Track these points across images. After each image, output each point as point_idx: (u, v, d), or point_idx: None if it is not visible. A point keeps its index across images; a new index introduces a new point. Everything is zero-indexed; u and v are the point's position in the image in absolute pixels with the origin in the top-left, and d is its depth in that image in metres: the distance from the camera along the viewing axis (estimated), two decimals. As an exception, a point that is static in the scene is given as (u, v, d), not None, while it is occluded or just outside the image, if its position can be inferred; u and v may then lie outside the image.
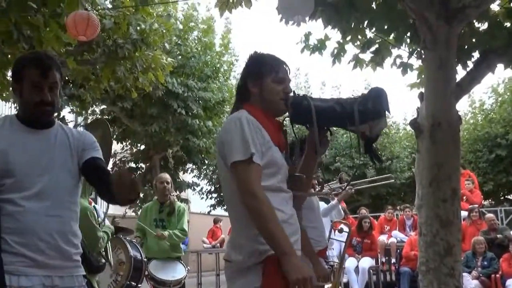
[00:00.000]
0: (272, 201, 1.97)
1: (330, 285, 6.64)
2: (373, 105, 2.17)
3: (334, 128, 2.51)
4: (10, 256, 1.96)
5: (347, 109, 2.18)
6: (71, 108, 13.16)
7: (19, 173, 2.04)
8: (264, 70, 2.17)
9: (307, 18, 4.50)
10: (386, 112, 2.21)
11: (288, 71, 2.24)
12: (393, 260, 9.09)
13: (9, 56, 6.89)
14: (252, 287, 1.97)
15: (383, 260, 9.29)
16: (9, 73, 8.01)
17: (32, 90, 2.10)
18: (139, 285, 4.63)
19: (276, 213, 1.96)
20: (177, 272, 5.24)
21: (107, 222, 4.39)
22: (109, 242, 4.11)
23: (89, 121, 15.21)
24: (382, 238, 9.51)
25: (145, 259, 4.75)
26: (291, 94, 2.22)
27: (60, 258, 2.07)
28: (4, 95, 9.10)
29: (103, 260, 3.86)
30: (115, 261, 4.48)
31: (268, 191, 1.99)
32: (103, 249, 3.97)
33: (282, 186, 2.12)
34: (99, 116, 14.65)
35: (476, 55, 4.81)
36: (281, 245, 1.90)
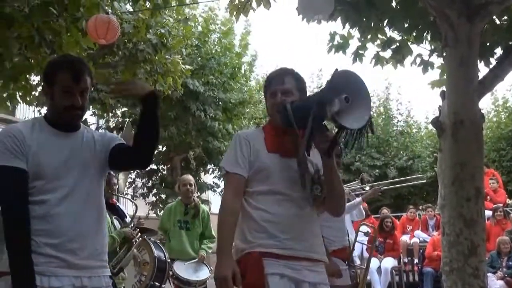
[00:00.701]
0: (262, 202, 2.19)
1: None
2: (320, 94, 2.10)
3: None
4: (41, 257, 1.99)
5: (315, 99, 2.12)
6: (93, 111, 13.34)
7: (49, 175, 2.06)
8: (265, 89, 2.41)
9: (327, 18, 4.50)
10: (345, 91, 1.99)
11: (282, 80, 2.29)
12: (416, 261, 8.99)
13: (32, 60, 7.01)
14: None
15: (406, 260, 9.20)
16: (32, 77, 8.16)
17: (63, 94, 2.12)
18: (163, 286, 4.67)
19: (259, 213, 2.17)
20: (201, 272, 5.28)
21: (118, 227, 4.45)
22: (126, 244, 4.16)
23: (110, 123, 15.44)
24: (405, 238, 9.42)
25: (169, 260, 4.79)
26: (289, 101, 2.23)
27: (89, 258, 2.11)
28: (28, 99, 9.27)
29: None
30: (139, 262, 4.54)
31: (261, 194, 2.21)
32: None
33: (274, 188, 2.20)
34: (120, 119, 14.83)
35: (498, 51, 4.74)
36: (218, 244, 2.18)
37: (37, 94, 9.94)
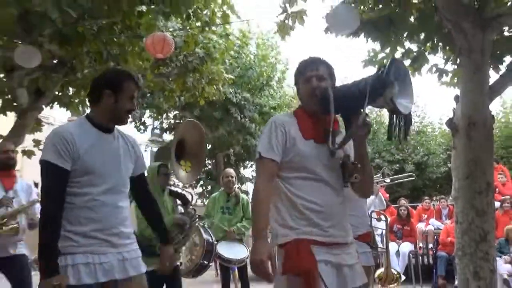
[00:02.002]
0: (302, 189, 2.02)
1: (382, 269, 6.60)
2: (381, 77, 1.87)
3: (374, 124, 2.29)
4: (91, 239, 2.11)
5: (361, 87, 1.92)
6: (150, 114, 13.59)
7: (97, 171, 2.15)
8: (297, 77, 2.19)
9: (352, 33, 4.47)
10: (397, 81, 1.87)
11: (316, 66, 2.13)
12: (431, 246, 8.85)
13: (99, 72, 7.18)
14: (280, 267, 1.98)
15: (421, 245, 9.06)
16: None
17: (128, 100, 2.23)
18: (210, 264, 4.72)
19: (301, 201, 2.00)
20: (240, 252, 5.31)
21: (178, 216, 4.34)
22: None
23: (164, 124, 15.68)
24: (420, 225, 9.27)
25: (215, 242, 4.83)
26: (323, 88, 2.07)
27: (124, 238, 2.25)
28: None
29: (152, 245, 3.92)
30: (191, 244, 4.60)
31: (299, 180, 2.03)
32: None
33: (312, 175, 2.03)
34: (172, 121, 15.06)
35: (507, 59, 4.60)
36: (254, 227, 2.01)
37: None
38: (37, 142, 7.30)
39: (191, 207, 4.36)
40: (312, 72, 2.10)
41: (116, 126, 2.33)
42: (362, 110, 1.93)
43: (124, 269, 2.17)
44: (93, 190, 2.12)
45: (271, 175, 2.03)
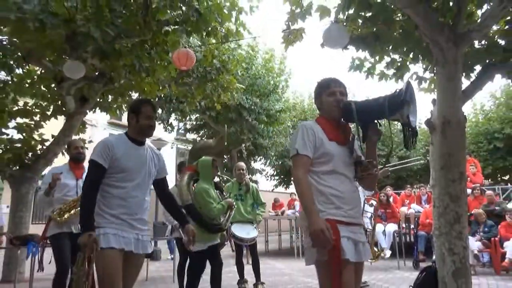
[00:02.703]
0: (329, 181, 2.09)
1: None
2: (398, 97, 2.00)
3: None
4: (117, 219, 2.40)
5: (380, 102, 2.05)
6: (175, 117, 13.62)
7: (129, 171, 2.45)
8: (320, 90, 2.27)
9: (343, 47, 4.46)
10: (410, 101, 2.01)
11: (339, 84, 2.24)
12: (412, 226, 8.79)
13: (133, 82, 7.23)
14: (310, 242, 2.04)
15: (404, 226, 9.02)
16: (133, 94, 8.43)
17: (146, 118, 2.55)
18: (226, 242, 4.76)
19: (328, 189, 2.07)
20: (251, 232, 5.32)
21: (228, 199, 4.37)
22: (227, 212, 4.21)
23: (187, 125, 15.73)
24: (403, 209, 9.21)
25: (230, 224, 4.86)
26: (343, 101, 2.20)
27: (142, 224, 2.52)
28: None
29: (218, 224, 4.01)
30: None
31: (326, 174, 2.10)
32: (220, 217, 4.09)
33: (336, 169, 2.11)
34: (194, 122, 15.09)
35: (477, 68, 4.54)
36: (306, 208, 2.00)
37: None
38: (82, 141, 7.42)
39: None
40: (336, 88, 2.21)
41: (148, 142, 2.68)
42: (377, 121, 2.11)
43: (137, 246, 2.46)
44: (126, 185, 2.43)
45: (306, 168, 2.09)
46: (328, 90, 2.21)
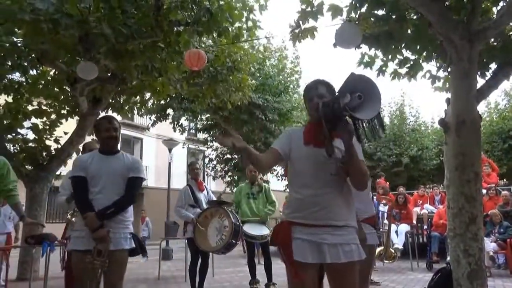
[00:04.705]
0: (295, 184, 2.14)
1: (381, 247, 6.53)
2: (341, 87, 1.94)
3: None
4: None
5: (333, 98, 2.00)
6: (186, 117, 13.66)
7: (93, 178, 2.73)
8: (304, 97, 2.30)
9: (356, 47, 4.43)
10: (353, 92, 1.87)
11: (315, 87, 2.22)
12: (425, 227, 8.68)
13: (145, 82, 7.27)
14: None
15: (417, 226, 8.93)
16: (146, 94, 8.49)
17: (103, 131, 2.82)
18: (237, 242, 4.76)
19: (293, 193, 2.13)
20: (263, 230, 5.36)
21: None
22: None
23: (198, 125, 15.77)
24: (416, 209, 9.11)
25: (241, 224, 4.89)
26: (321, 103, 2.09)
27: (115, 222, 2.72)
28: (142, 109, 9.61)
29: None
30: (221, 226, 4.66)
31: (294, 177, 2.15)
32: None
33: (302, 172, 2.11)
34: (205, 122, 15.13)
35: (492, 66, 4.45)
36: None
37: (149, 106, 10.29)
38: (95, 142, 7.50)
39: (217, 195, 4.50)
40: (312, 93, 2.22)
41: (124, 153, 2.92)
42: (347, 118, 1.94)
43: (115, 243, 2.69)
44: (93, 190, 2.71)
45: (269, 155, 2.18)
46: (308, 95, 2.25)
